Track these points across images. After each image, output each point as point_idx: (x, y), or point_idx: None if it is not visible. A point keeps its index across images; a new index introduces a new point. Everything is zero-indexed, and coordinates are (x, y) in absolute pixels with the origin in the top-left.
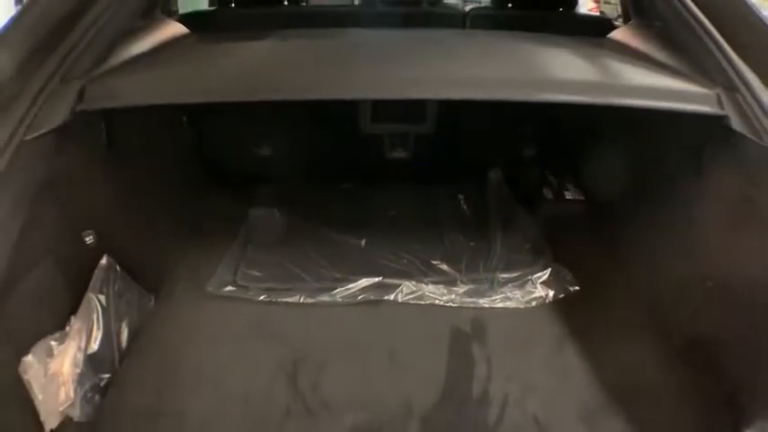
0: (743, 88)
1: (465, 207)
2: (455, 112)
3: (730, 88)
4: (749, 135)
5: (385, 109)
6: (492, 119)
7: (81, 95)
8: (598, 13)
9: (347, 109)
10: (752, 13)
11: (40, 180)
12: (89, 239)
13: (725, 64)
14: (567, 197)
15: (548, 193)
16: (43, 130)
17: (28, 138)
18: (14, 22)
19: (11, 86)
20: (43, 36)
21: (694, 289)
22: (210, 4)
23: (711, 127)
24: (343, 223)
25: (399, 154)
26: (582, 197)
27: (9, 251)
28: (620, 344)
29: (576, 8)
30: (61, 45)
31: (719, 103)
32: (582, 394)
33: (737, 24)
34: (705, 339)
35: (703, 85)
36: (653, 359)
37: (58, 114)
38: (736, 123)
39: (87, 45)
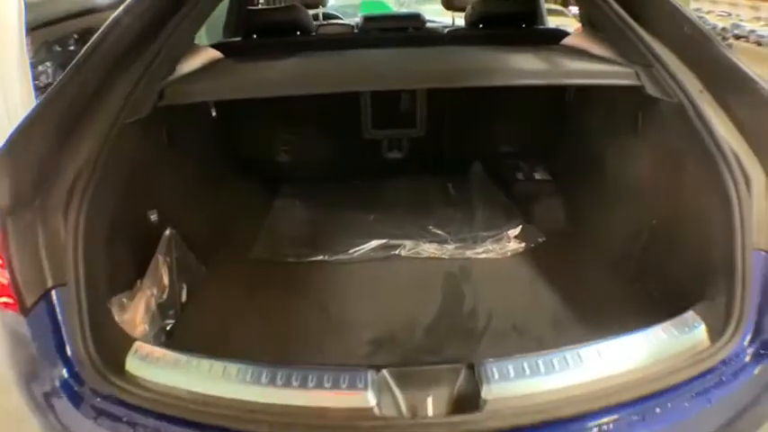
0: (657, 65)
1: (452, 191)
2: (441, 118)
3: (647, 65)
4: (662, 97)
5: (382, 117)
6: (472, 122)
7: (161, 95)
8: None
9: (352, 118)
10: (675, 9)
11: (128, 163)
12: (153, 217)
13: (643, 49)
14: (536, 178)
15: (520, 176)
16: (135, 118)
17: (127, 121)
18: (99, 37)
19: (104, 85)
20: (125, 50)
21: (642, 228)
22: (224, 36)
23: (639, 98)
24: (353, 205)
25: (396, 154)
26: (549, 177)
27: (107, 220)
28: (582, 274)
29: (546, 24)
30: (139, 59)
31: (638, 77)
32: (552, 310)
33: (661, 18)
34: (653, 265)
35: (626, 66)
36: (609, 284)
37: (144, 108)
38: (651, 89)
39: (162, 61)
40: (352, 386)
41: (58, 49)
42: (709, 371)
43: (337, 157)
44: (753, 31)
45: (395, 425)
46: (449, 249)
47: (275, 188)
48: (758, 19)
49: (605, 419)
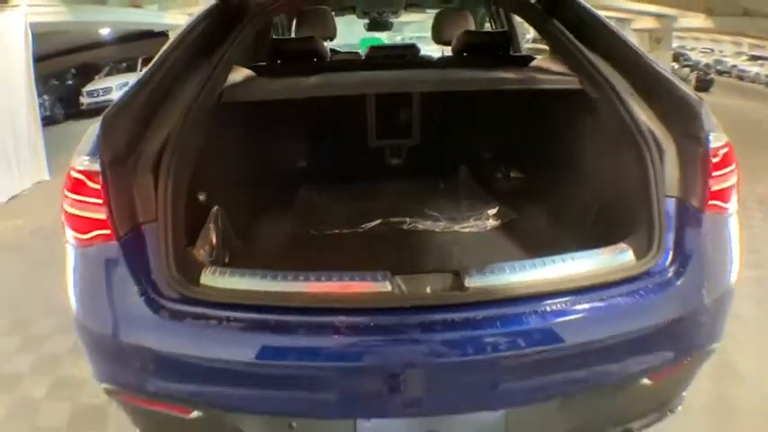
0: (596, 74)
1: (443, 187)
2: (433, 130)
3: (588, 74)
4: (597, 95)
5: (384, 129)
6: (458, 134)
7: (220, 96)
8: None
9: (359, 131)
10: (613, 34)
11: (194, 147)
12: (202, 197)
13: (587, 64)
14: (512, 176)
15: (499, 175)
16: (204, 108)
17: (196, 113)
18: (168, 49)
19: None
20: (190, 60)
21: (594, 200)
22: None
23: (585, 103)
24: (361, 197)
25: (396, 161)
26: (522, 175)
27: (181, 185)
28: (547, 237)
29: (521, 52)
30: (201, 69)
31: (580, 83)
32: (522, 257)
33: (603, 41)
34: (601, 225)
35: (573, 76)
36: (569, 241)
37: (208, 103)
38: (590, 91)
39: (219, 71)
40: (374, 280)
41: (56, 82)
42: (636, 278)
43: (347, 163)
44: (734, 66)
45: (403, 298)
46: (440, 225)
47: (296, 186)
48: (740, 54)
49: (557, 300)
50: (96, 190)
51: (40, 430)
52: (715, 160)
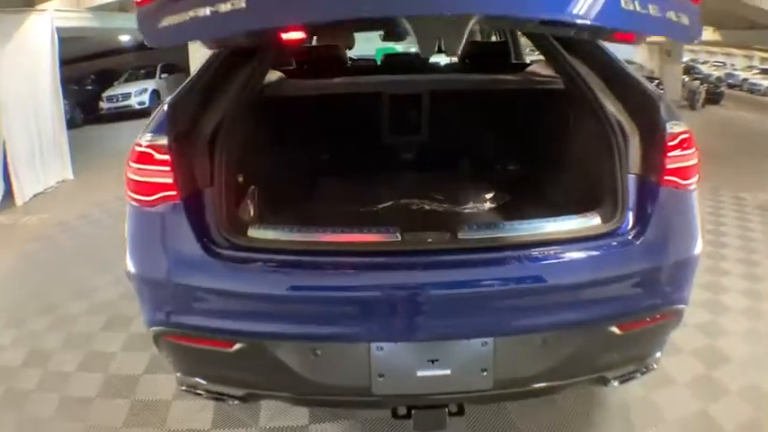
0: (576, 76)
1: (447, 178)
2: (439, 128)
3: (570, 77)
4: (576, 93)
5: (396, 127)
6: (462, 132)
7: (261, 90)
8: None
9: (374, 129)
10: (594, 44)
11: (240, 132)
12: (240, 179)
13: (568, 67)
14: (509, 168)
15: (498, 168)
16: (249, 100)
17: (243, 104)
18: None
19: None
20: (234, 61)
21: (573, 184)
22: None
23: (568, 103)
24: (376, 185)
25: (407, 155)
26: (518, 167)
27: (232, 164)
28: (536, 212)
29: (522, 59)
30: (243, 69)
31: (564, 84)
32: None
33: (585, 50)
34: (579, 200)
35: (557, 78)
36: (553, 213)
37: (252, 96)
38: (571, 90)
39: (260, 71)
40: (387, 232)
41: (75, 87)
42: (603, 237)
43: (364, 156)
44: (746, 80)
45: (409, 243)
46: (444, 206)
47: (320, 175)
48: (751, 68)
49: (532, 250)
50: (164, 160)
51: (70, 400)
52: (672, 143)
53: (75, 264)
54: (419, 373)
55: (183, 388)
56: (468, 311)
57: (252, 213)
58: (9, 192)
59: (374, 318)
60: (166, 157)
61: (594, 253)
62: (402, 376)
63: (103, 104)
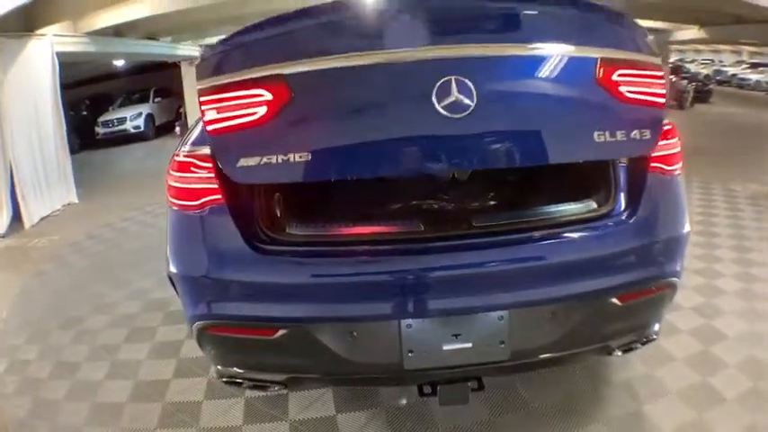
0: None
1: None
2: None
3: None
4: None
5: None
6: None
7: None
8: None
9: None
10: None
11: None
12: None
13: None
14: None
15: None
16: None
17: None
18: None
19: None
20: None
21: (572, 177)
22: None
23: None
24: (390, 192)
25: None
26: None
27: None
28: (537, 205)
29: None
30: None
31: None
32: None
33: None
34: (583, 189)
35: None
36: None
37: None
38: None
39: None
40: (411, 225)
41: (71, 113)
42: (600, 218)
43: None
44: (734, 76)
45: (429, 232)
46: (453, 205)
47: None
48: (739, 63)
49: (539, 233)
50: (207, 167)
51: (102, 406)
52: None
53: (90, 281)
54: (445, 347)
55: (224, 380)
56: (484, 288)
57: (289, 212)
58: (17, 215)
59: (402, 298)
60: (209, 165)
61: (592, 233)
62: (429, 351)
63: (99, 129)
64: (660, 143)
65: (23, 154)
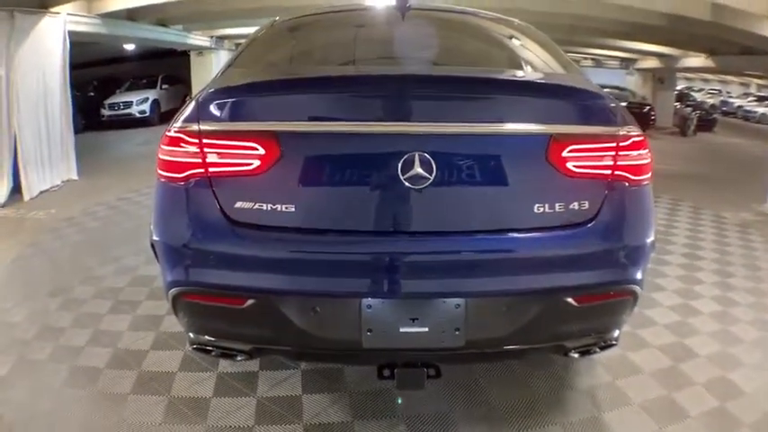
0: None
1: None
2: None
3: None
4: None
5: None
6: None
7: None
8: None
9: None
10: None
11: None
12: None
13: None
14: None
15: None
16: None
17: None
18: (239, 51)
19: None
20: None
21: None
22: None
23: None
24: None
25: None
26: None
27: None
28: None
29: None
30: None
31: None
32: None
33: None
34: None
35: None
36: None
37: None
38: None
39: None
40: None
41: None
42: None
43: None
44: (740, 107)
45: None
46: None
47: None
48: (747, 95)
49: (497, 236)
50: (195, 143)
51: (80, 369)
52: (623, 144)
53: (82, 254)
54: (402, 330)
55: (195, 347)
56: (442, 275)
57: None
58: (17, 187)
59: (362, 278)
60: (196, 140)
61: (549, 233)
62: (387, 331)
63: (105, 111)
64: (625, 153)
65: (28, 127)
